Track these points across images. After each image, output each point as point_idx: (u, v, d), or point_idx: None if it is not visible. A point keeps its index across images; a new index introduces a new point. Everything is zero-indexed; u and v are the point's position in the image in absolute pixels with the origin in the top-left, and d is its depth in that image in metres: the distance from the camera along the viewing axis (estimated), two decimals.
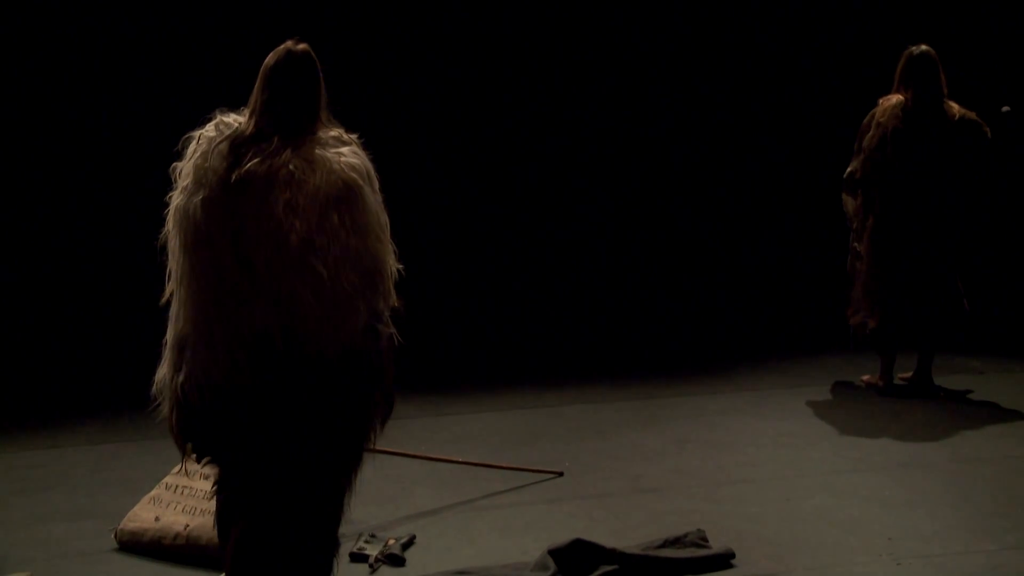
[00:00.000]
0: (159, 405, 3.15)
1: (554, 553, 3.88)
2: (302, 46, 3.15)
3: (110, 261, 6.95)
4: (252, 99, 3.13)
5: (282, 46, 3.15)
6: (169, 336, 3.11)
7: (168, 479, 4.26)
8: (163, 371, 3.12)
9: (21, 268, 7.01)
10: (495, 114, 7.85)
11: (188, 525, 4.06)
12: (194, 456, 3.20)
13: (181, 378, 3.05)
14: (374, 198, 3.11)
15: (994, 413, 5.76)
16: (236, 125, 3.10)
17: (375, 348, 3.10)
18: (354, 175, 3.06)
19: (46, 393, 6.24)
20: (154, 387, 3.14)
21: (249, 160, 3.01)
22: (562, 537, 4.00)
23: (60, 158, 7.06)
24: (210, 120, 3.14)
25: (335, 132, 3.16)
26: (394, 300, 3.18)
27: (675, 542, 4.07)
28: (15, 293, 6.95)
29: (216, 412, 3.05)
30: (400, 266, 3.21)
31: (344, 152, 3.10)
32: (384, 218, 3.15)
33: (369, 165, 3.15)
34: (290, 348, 3.01)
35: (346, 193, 3.04)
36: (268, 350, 3.01)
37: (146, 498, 4.23)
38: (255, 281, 2.99)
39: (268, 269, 2.99)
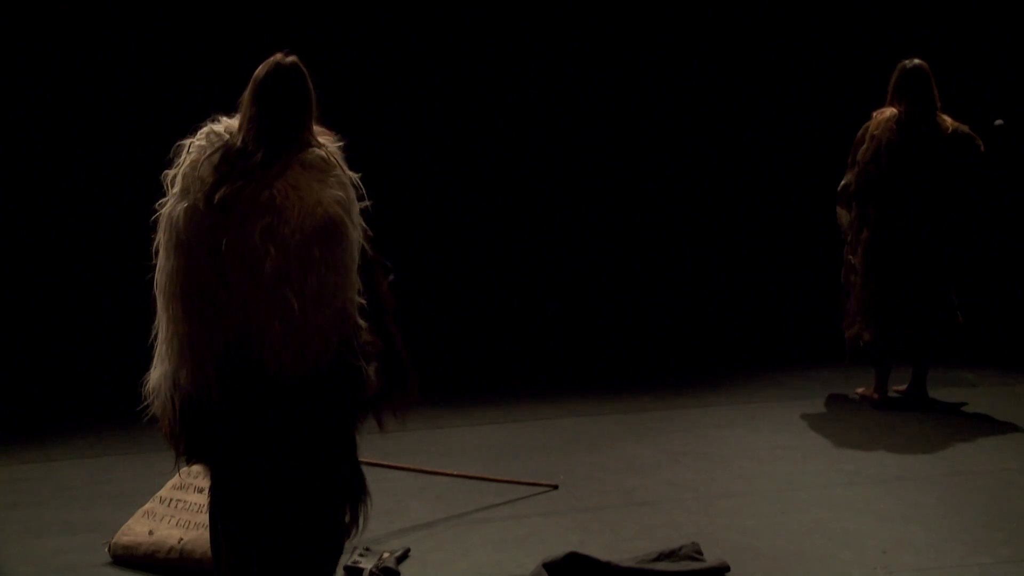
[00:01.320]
0: (149, 404, 3.18)
1: (549, 566, 3.88)
2: (291, 58, 3.15)
3: (104, 273, 6.93)
4: (242, 111, 3.14)
5: (271, 58, 3.15)
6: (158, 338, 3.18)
7: (162, 492, 4.25)
8: (154, 373, 3.17)
9: (14, 281, 6.99)
10: (488, 126, 7.86)
11: (182, 539, 4.05)
12: (184, 457, 3.23)
13: (158, 378, 3.12)
14: (355, 233, 3.11)
15: (988, 426, 5.76)
16: (227, 137, 3.11)
17: (343, 379, 3.12)
18: (339, 210, 3.07)
19: (40, 406, 6.22)
20: (146, 386, 3.19)
21: (234, 179, 3.03)
22: (557, 550, 4.00)
23: (50, 168, 7.05)
24: (201, 128, 3.16)
25: (322, 149, 3.15)
26: (362, 331, 3.18)
27: (670, 555, 4.06)
28: (8, 305, 6.94)
29: (192, 416, 3.10)
30: (363, 302, 3.19)
31: (330, 182, 3.09)
32: (356, 252, 3.13)
33: (352, 193, 3.14)
34: (254, 366, 3.04)
35: (331, 229, 3.05)
36: (235, 362, 3.05)
37: (140, 512, 4.22)
38: (229, 296, 3.02)
39: (241, 290, 3.02)
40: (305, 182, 3.07)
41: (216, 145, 3.09)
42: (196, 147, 3.11)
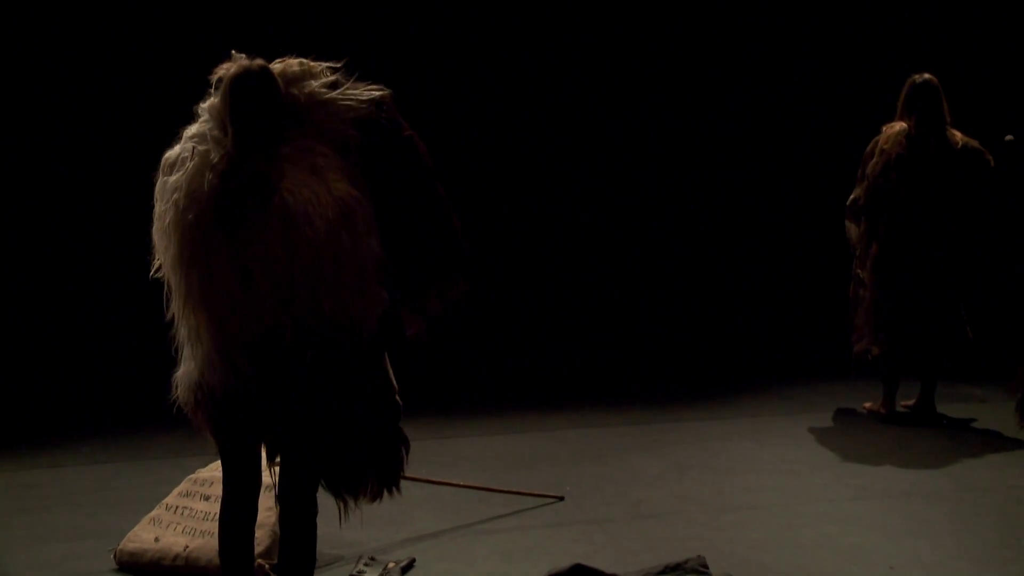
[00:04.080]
0: (180, 402, 3.23)
1: None
2: (257, 62, 3.17)
3: (112, 280, 6.94)
4: (222, 118, 3.14)
5: (238, 64, 3.15)
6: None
7: (168, 500, 4.26)
8: (186, 372, 3.22)
9: (22, 287, 7.00)
10: (493, 135, 7.86)
11: (188, 546, 4.05)
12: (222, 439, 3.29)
13: (185, 378, 3.19)
14: (365, 199, 3.18)
15: (997, 442, 5.74)
16: (228, 143, 3.12)
17: (379, 332, 3.26)
18: (348, 186, 3.14)
19: (47, 412, 6.23)
20: (177, 385, 3.24)
21: (243, 189, 3.05)
22: (563, 562, 4.00)
23: (53, 171, 7.05)
24: (187, 132, 3.17)
25: (312, 134, 3.19)
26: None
27: (675, 568, 4.05)
28: (15, 312, 6.95)
29: (221, 408, 3.16)
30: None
31: (321, 162, 3.15)
32: (369, 211, 3.21)
33: (341, 162, 3.19)
34: (299, 341, 3.11)
35: (347, 209, 3.12)
36: (271, 346, 3.10)
37: (146, 519, 4.22)
38: (259, 297, 3.07)
39: (268, 293, 3.07)
40: (309, 169, 3.12)
41: (218, 153, 3.10)
42: (200, 152, 3.11)
